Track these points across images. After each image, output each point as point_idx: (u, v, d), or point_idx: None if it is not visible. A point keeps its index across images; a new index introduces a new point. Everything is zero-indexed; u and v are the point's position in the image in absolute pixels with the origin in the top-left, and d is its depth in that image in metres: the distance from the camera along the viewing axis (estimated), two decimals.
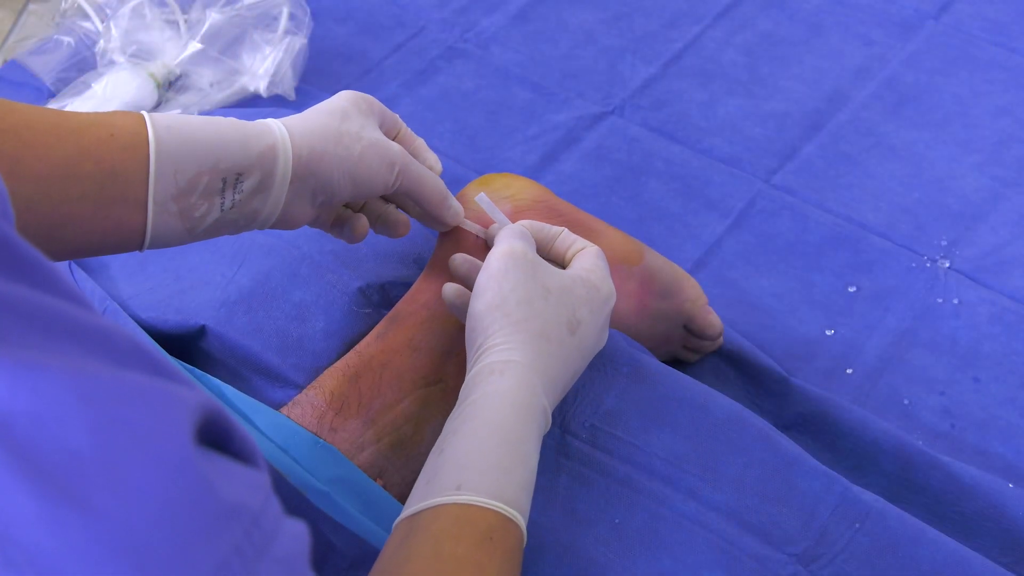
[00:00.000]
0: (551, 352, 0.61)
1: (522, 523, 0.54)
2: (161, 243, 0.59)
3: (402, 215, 0.71)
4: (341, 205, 0.69)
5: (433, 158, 0.71)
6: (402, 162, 0.65)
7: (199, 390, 0.36)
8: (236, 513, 0.34)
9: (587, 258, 0.67)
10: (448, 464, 0.55)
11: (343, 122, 0.63)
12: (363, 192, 0.65)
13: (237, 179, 0.59)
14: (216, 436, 0.37)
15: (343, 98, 0.66)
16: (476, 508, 0.53)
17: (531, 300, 0.62)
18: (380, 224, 0.71)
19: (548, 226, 0.70)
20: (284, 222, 0.64)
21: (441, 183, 0.68)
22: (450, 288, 0.67)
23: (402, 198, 0.70)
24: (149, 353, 0.36)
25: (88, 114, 0.56)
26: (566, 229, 0.70)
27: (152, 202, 0.56)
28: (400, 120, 0.70)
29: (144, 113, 0.57)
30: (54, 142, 0.53)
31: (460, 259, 0.68)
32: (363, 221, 0.69)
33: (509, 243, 0.65)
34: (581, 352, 0.64)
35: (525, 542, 0.55)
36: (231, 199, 0.60)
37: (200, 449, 0.34)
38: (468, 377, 0.61)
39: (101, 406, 0.33)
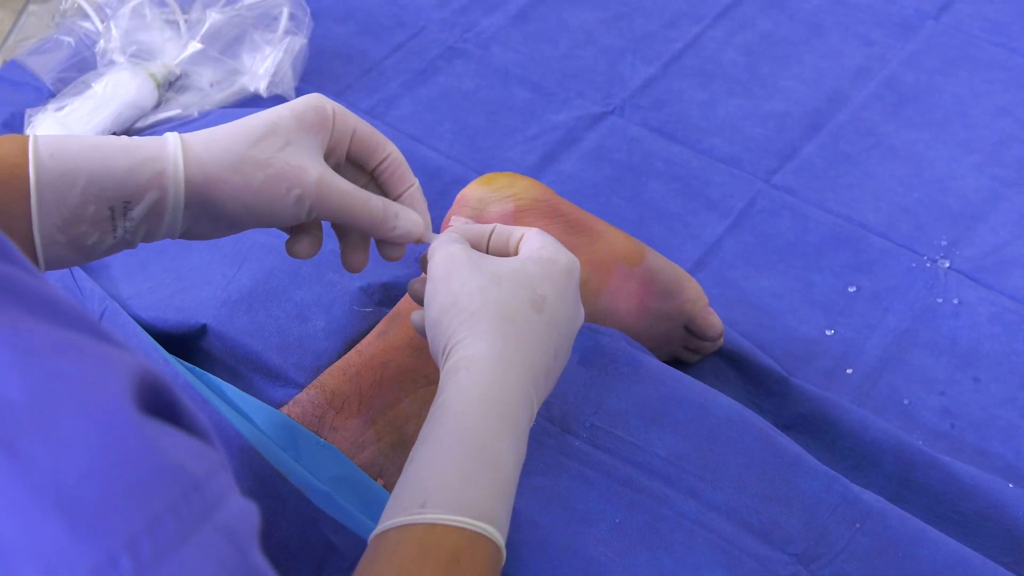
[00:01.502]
0: (519, 336, 0.57)
1: (495, 535, 0.50)
2: (59, 267, 0.57)
3: (355, 252, 0.65)
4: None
5: (421, 206, 0.66)
6: (315, 195, 0.59)
7: (143, 359, 0.36)
8: (174, 473, 0.33)
9: (532, 239, 0.63)
10: (413, 478, 0.52)
11: (255, 144, 0.58)
12: (268, 223, 0.60)
13: (125, 207, 0.56)
14: (162, 407, 0.36)
15: (290, 107, 0.60)
16: (441, 528, 0.49)
17: (484, 289, 0.58)
18: (341, 249, 0.66)
19: (477, 224, 0.66)
20: (193, 237, 0.61)
21: (375, 204, 0.62)
22: (416, 315, 0.63)
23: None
24: (91, 320, 0.36)
25: None
26: (497, 224, 0.66)
27: (38, 235, 0.53)
28: (387, 148, 0.64)
29: (30, 138, 0.54)
30: None
31: (417, 283, 0.65)
32: (304, 243, 0.63)
33: (445, 248, 0.61)
34: (555, 328, 0.59)
35: (503, 553, 0.51)
36: (122, 227, 0.56)
37: (139, 411, 0.34)
38: (440, 382, 0.57)
39: (36, 358, 0.32)
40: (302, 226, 0.64)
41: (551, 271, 0.60)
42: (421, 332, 0.63)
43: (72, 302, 0.36)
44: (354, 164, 0.64)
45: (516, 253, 0.63)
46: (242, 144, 0.58)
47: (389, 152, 0.65)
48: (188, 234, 0.60)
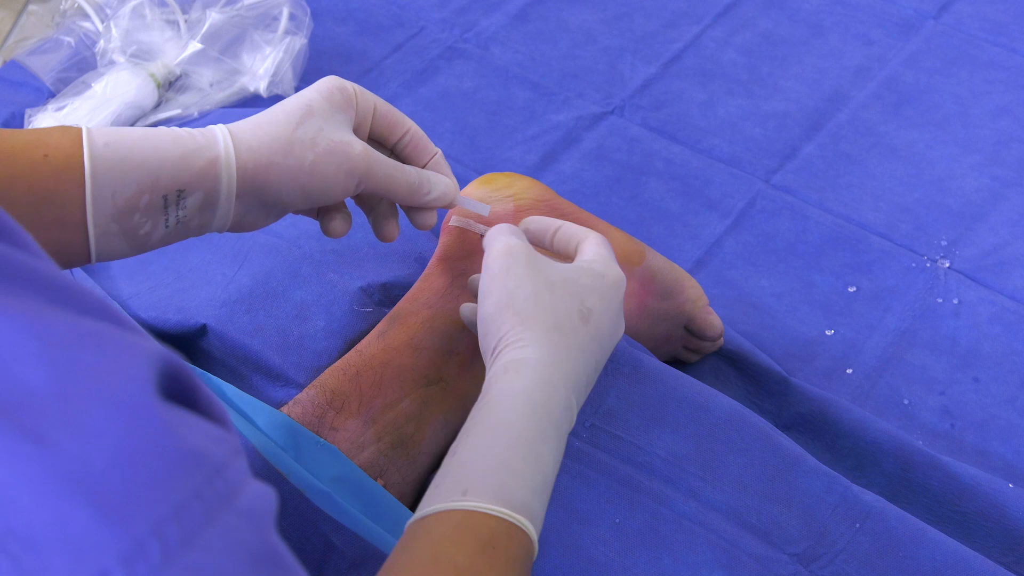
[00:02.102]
0: (566, 345, 0.59)
1: (530, 529, 0.52)
2: (109, 259, 0.57)
3: (389, 222, 0.68)
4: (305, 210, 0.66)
5: (448, 172, 0.68)
6: (363, 168, 0.61)
7: (162, 347, 0.36)
8: (198, 459, 0.34)
9: (589, 247, 0.65)
10: (456, 467, 0.53)
11: (298, 127, 0.60)
12: (320, 201, 0.62)
13: (179, 196, 0.57)
14: (181, 393, 0.37)
15: (316, 90, 0.62)
16: (479, 514, 0.51)
17: (538, 294, 0.60)
18: (373, 222, 0.69)
19: (549, 220, 0.69)
20: (243, 228, 0.62)
21: (410, 172, 0.64)
22: (467, 308, 0.66)
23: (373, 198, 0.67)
24: (112, 308, 0.36)
25: (25, 133, 0.54)
26: (566, 222, 0.68)
27: (92, 224, 0.54)
28: (406, 123, 0.66)
29: (83, 129, 0.55)
30: None
31: (475, 279, 0.67)
32: (338, 221, 0.66)
33: (504, 241, 0.63)
34: (598, 342, 0.61)
35: (536, 548, 0.53)
36: (175, 216, 0.57)
37: (161, 398, 0.34)
38: (486, 380, 0.59)
39: (60, 347, 0.33)
40: (330, 206, 0.65)
41: (599, 285, 0.62)
42: (471, 325, 0.65)
43: (91, 290, 0.36)
44: (375, 141, 0.67)
45: (575, 255, 0.66)
46: (287, 127, 0.59)
47: (409, 127, 0.67)
48: (239, 225, 0.61)
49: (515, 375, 0.57)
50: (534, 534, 0.52)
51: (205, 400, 0.38)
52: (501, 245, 0.63)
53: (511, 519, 0.51)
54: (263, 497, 0.37)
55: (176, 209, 0.57)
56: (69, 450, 0.31)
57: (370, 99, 0.65)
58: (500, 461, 0.53)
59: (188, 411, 0.36)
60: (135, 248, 0.57)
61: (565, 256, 0.67)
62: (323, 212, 0.66)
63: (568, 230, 0.67)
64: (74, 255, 0.56)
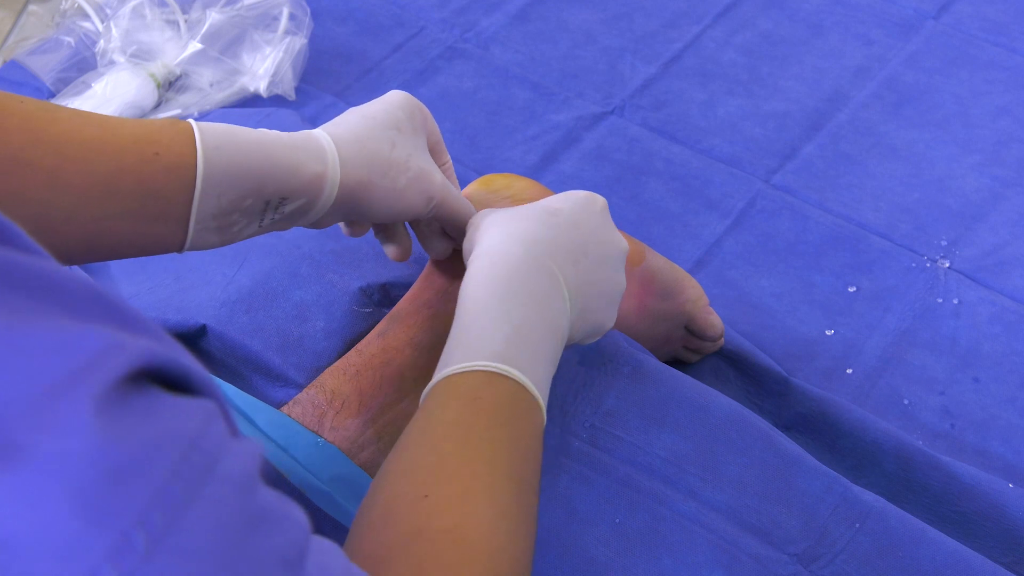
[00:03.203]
0: (528, 228, 0.62)
1: (514, 373, 0.55)
2: (197, 249, 0.59)
3: (442, 240, 0.71)
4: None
5: (454, 180, 0.72)
6: (441, 196, 0.65)
7: (150, 339, 0.36)
8: (170, 439, 0.34)
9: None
10: (446, 345, 0.57)
11: (394, 149, 0.62)
12: (397, 220, 0.65)
13: (280, 202, 0.59)
14: (172, 381, 0.37)
15: (400, 107, 0.64)
16: (456, 376, 0.55)
17: (504, 210, 0.65)
18: (384, 241, 0.71)
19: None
20: (319, 227, 0.64)
21: (468, 205, 0.68)
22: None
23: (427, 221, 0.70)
24: (103, 299, 0.36)
25: (134, 126, 0.54)
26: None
27: (194, 221, 0.55)
28: (438, 131, 0.69)
29: (194, 127, 0.55)
30: (96, 158, 0.52)
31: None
32: (400, 247, 0.69)
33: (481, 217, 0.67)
34: (575, 227, 0.63)
35: (530, 389, 0.55)
36: (271, 218, 0.59)
37: (131, 386, 0.34)
38: None
39: (23, 355, 0.32)
40: (388, 229, 0.69)
41: (564, 197, 0.65)
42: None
43: (83, 283, 0.36)
44: None
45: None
46: (386, 147, 0.62)
47: (447, 159, 0.71)
48: (316, 225, 0.63)
49: (481, 258, 0.60)
50: (520, 376, 0.55)
51: (196, 380, 0.38)
52: (476, 220, 0.66)
53: (487, 368, 0.54)
54: (245, 455, 0.36)
55: (274, 213, 0.59)
56: (42, 454, 0.31)
57: (432, 123, 0.68)
58: (466, 330, 0.57)
59: (165, 391, 0.36)
60: (223, 241, 0.59)
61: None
62: (386, 231, 0.69)
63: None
64: (165, 245, 0.58)
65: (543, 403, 0.56)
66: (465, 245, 0.64)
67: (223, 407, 0.38)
